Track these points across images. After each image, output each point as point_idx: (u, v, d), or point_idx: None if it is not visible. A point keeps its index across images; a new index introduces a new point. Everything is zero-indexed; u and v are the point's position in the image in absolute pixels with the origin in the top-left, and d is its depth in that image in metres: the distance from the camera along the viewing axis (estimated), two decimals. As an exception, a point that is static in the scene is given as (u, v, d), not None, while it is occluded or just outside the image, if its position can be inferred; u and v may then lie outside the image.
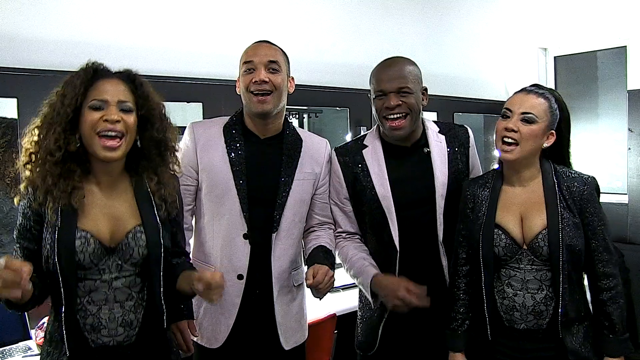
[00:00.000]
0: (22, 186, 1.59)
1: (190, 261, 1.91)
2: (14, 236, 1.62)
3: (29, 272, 1.34)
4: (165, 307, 1.67)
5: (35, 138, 1.57)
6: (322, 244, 2.11)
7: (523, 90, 1.93)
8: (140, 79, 1.65)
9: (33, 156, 1.57)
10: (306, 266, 2.07)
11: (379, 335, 2.12)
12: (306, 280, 1.90)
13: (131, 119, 1.59)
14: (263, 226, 2.02)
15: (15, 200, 1.62)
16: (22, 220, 1.59)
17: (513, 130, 1.85)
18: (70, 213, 1.54)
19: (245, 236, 2.00)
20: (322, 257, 2.04)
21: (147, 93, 1.64)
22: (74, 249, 1.53)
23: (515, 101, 1.90)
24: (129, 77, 1.63)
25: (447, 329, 2.01)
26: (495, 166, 2.10)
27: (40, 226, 1.57)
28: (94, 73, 1.59)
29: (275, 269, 2.04)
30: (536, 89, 1.92)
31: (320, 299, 1.95)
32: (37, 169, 1.55)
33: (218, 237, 2.03)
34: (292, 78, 2.12)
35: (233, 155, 2.02)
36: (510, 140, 1.85)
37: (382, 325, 2.11)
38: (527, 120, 1.85)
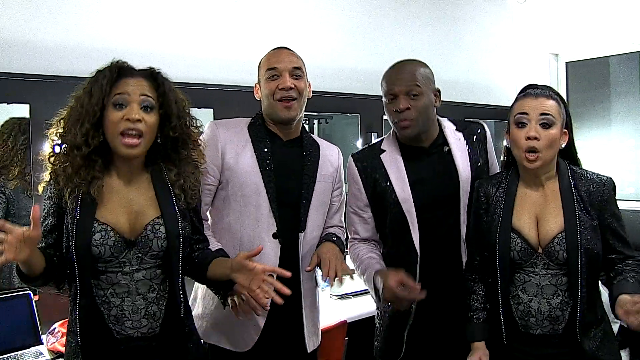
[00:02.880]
0: (45, 174, 1.63)
1: (211, 247, 1.89)
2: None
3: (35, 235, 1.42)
4: (183, 297, 1.69)
5: (61, 130, 1.61)
6: (332, 232, 2.14)
7: (528, 94, 1.88)
8: (162, 76, 1.69)
9: (57, 147, 1.61)
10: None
11: (405, 342, 2.09)
12: (310, 265, 1.95)
13: (152, 118, 1.62)
14: (290, 226, 2.03)
15: (40, 188, 1.65)
16: (45, 209, 1.63)
17: (535, 138, 1.80)
18: (89, 204, 1.58)
19: (274, 235, 2.00)
20: (330, 238, 2.07)
21: (168, 91, 1.67)
22: (91, 241, 1.55)
23: (528, 105, 1.85)
24: (151, 75, 1.67)
25: (465, 321, 1.98)
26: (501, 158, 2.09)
27: (60, 217, 1.60)
28: (119, 71, 1.62)
29: (303, 269, 2.04)
30: (541, 91, 1.88)
31: (331, 286, 1.93)
32: (61, 160, 1.59)
33: (245, 237, 2.02)
34: (309, 83, 2.14)
35: (261, 154, 2.03)
36: (534, 155, 1.81)
37: (407, 332, 2.09)
38: (547, 123, 1.81)
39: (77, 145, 1.56)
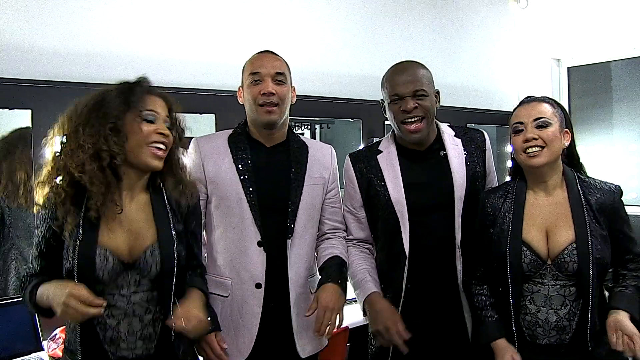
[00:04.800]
0: (45, 195, 1.60)
1: (205, 274, 1.91)
2: (34, 242, 1.64)
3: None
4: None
5: (66, 146, 1.59)
6: (337, 254, 2.09)
7: (521, 104, 1.94)
8: (173, 99, 1.74)
9: (68, 151, 1.58)
10: (318, 275, 2.06)
11: (392, 346, 2.09)
12: (308, 311, 1.90)
13: (172, 136, 1.68)
14: (277, 233, 2.01)
15: (35, 209, 1.63)
16: (43, 230, 1.61)
17: (534, 139, 1.84)
18: (91, 227, 1.57)
19: (259, 244, 1.99)
20: (335, 270, 2.02)
21: (178, 115, 1.73)
22: (94, 264, 1.55)
23: (521, 114, 1.90)
24: (166, 99, 1.71)
25: (479, 325, 1.96)
26: (507, 178, 2.09)
27: (58, 238, 1.58)
28: (141, 87, 1.66)
29: (291, 275, 2.02)
30: (533, 98, 1.94)
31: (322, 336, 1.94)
32: (78, 172, 1.55)
33: (231, 248, 2.01)
34: (294, 88, 2.12)
35: (241, 164, 2.02)
36: (535, 150, 1.84)
37: None
38: (542, 125, 1.85)
39: (100, 154, 1.56)
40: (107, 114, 1.58)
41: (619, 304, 1.80)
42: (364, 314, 2.07)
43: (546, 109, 1.88)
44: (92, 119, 1.58)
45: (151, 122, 1.62)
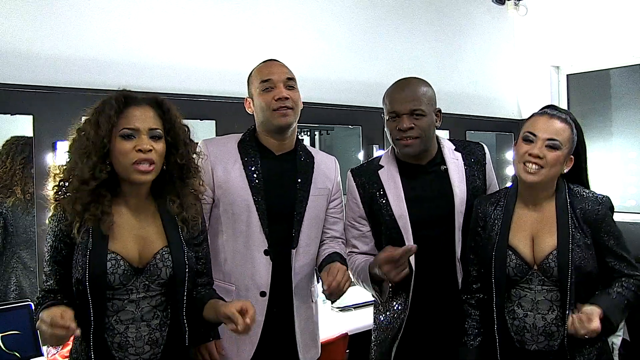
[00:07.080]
0: (51, 207, 1.62)
1: (214, 286, 1.89)
2: (45, 257, 1.64)
3: (72, 318, 1.40)
4: (187, 325, 1.69)
5: (65, 165, 1.61)
6: (337, 251, 2.11)
7: (545, 113, 1.89)
8: (167, 104, 1.68)
9: (62, 183, 1.60)
10: (318, 273, 2.07)
11: (393, 355, 2.09)
12: (323, 284, 1.88)
13: (160, 146, 1.63)
14: (282, 242, 2.02)
15: (47, 221, 1.64)
16: (52, 242, 1.61)
17: (538, 157, 1.82)
18: (101, 236, 1.57)
19: (266, 252, 2.00)
20: (337, 258, 2.03)
21: (174, 118, 1.68)
22: (106, 271, 1.55)
23: (539, 126, 1.86)
24: (156, 103, 1.67)
25: (459, 345, 1.99)
26: (508, 184, 2.09)
27: (69, 248, 1.59)
28: (125, 101, 1.62)
29: (295, 284, 2.04)
30: (558, 113, 1.89)
31: (333, 302, 1.92)
32: (67, 195, 1.58)
33: (237, 254, 2.02)
34: (300, 96, 2.13)
35: (250, 170, 2.03)
36: (534, 167, 1.82)
37: (395, 347, 2.09)
38: (552, 146, 1.82)
39: (85, 179, 1.55)
40: (95, 139, 1.57)
41: (598, 302, 1.77)
42: (377, 292, 2.06)
43: (563, 131, 1.85)
44: (80, 146, 1.58)
45: (130, 137, 1.59)
